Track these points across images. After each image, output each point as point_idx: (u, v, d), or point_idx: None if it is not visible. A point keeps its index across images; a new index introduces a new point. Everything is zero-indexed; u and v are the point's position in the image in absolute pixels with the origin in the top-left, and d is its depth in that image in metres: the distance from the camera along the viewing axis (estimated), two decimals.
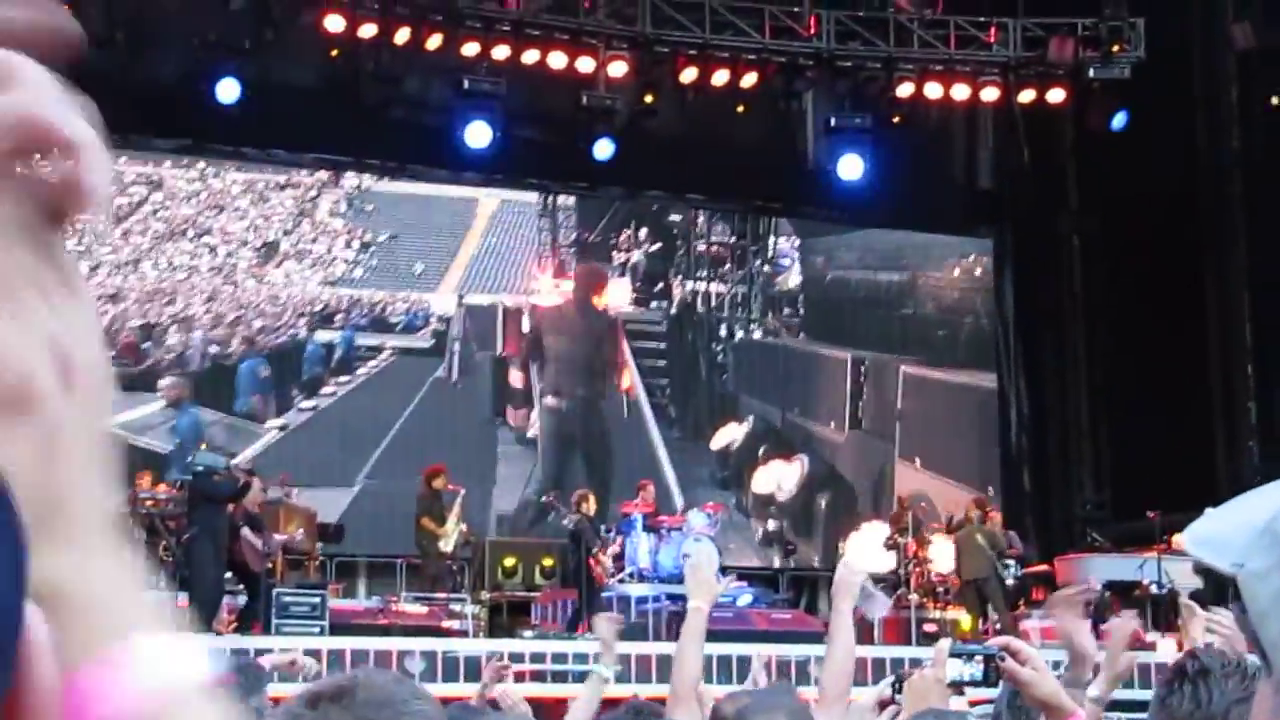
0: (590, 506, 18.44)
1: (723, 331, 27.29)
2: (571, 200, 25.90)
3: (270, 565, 17.03)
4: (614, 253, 26.62)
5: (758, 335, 27.47)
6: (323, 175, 24.49)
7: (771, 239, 27.47)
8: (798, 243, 27.60)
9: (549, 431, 24.72)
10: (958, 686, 3.73)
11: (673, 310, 26.93)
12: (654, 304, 26.85)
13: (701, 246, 27.23)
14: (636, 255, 26.80)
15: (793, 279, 27.66)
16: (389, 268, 24.97)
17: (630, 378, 25.85)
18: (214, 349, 23.30)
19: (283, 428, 23.34)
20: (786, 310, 27.48)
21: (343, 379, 24.35)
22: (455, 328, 25.03)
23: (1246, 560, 1.11)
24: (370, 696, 2.05)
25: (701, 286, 27.24)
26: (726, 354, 27.28)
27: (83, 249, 21.98)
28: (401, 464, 21.87)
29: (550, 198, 25.62)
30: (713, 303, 27.14)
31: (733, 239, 27.36)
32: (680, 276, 27.07)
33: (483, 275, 25.59)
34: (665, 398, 26.09)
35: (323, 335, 24.37)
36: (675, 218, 27.09)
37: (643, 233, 26.75)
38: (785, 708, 3.56)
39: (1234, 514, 1.14)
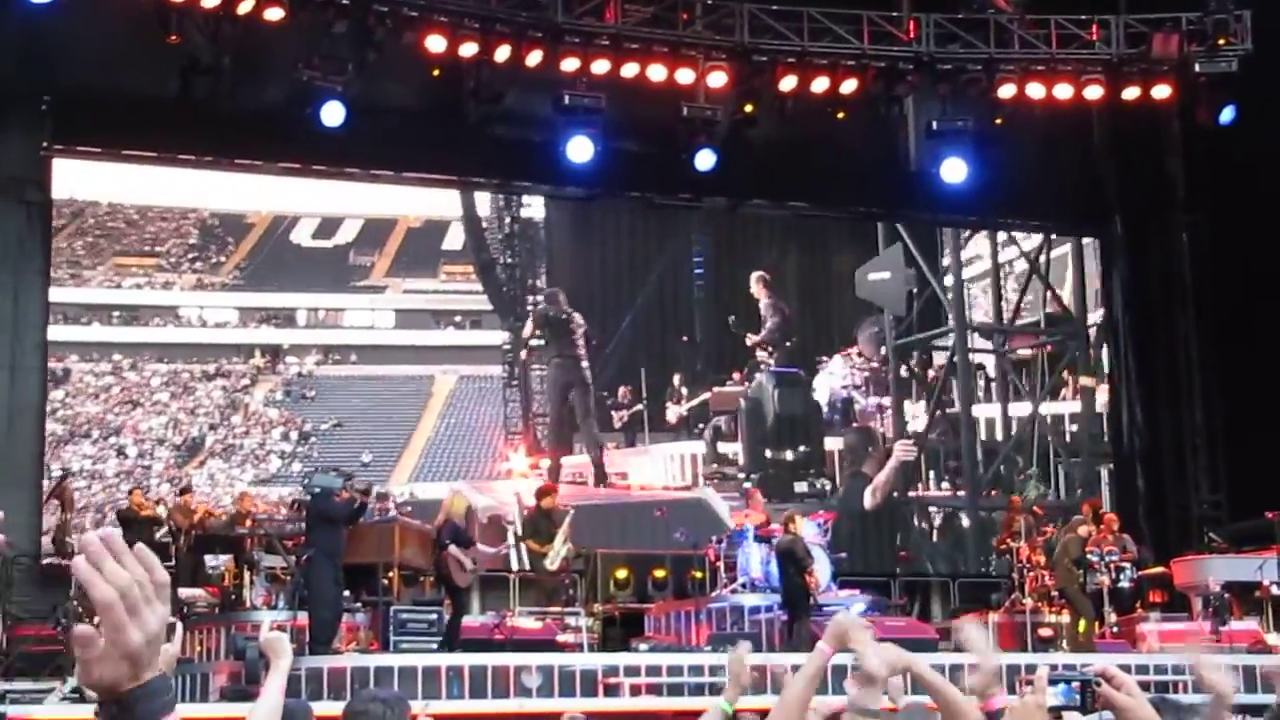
0: (797, 525, 18.34)
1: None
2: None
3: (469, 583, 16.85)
4: (611, 413, 22.72)
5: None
6: (258, 361, 22.49)
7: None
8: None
9: None
10: (1057, 713, 3.79)
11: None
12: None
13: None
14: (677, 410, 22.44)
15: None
16: (331, 459, 21.55)
17: None
18: None
19: None
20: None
21: None
22: None
23: None
24: None
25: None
26: None
27: None
28: None
29: (516, 369, 22.86)
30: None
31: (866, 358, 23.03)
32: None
33: (441, 460, 22.39)
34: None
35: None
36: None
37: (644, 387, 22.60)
38: None
39: None
